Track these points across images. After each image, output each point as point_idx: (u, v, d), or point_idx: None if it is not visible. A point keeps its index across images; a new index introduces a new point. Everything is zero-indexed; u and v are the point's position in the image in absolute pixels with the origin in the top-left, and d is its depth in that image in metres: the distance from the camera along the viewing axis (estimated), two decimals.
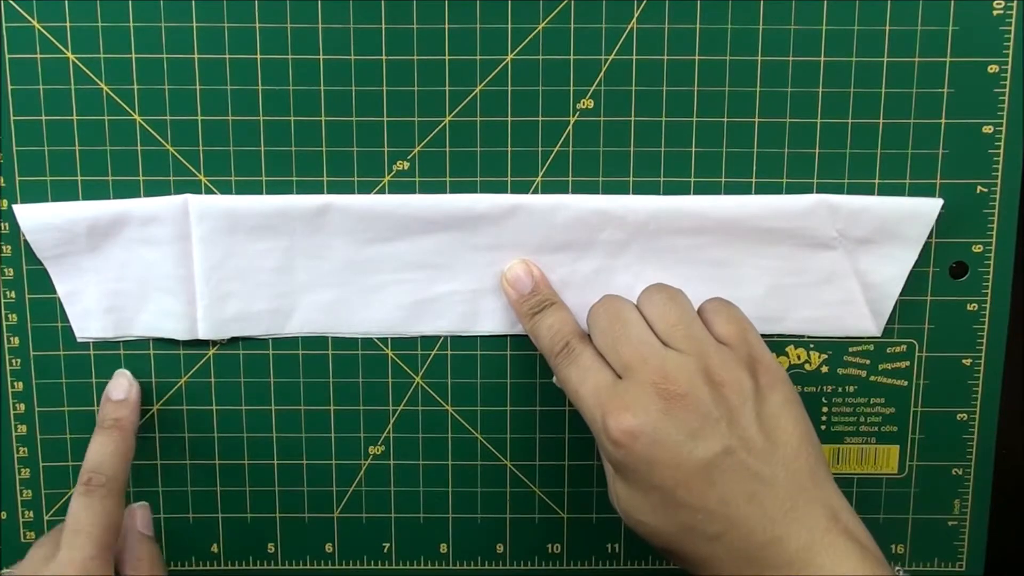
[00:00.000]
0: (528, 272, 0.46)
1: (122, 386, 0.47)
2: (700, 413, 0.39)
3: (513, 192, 0.47)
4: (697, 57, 0.45)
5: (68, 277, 0.47)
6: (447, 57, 0.46)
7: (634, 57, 0.46)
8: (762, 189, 0.47)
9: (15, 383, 0.49)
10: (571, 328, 0.44)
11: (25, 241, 0.47)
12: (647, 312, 0.42)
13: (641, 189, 0.47)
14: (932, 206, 0.46)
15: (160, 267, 0.47)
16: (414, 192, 0.47)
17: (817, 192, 0.46)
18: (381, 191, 0.47)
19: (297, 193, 0.47)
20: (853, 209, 0.46)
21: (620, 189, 0.47)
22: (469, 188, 0.47)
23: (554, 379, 0.44)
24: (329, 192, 0.47)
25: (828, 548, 0.37)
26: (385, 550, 0.51)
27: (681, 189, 0.47)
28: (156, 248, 0.46)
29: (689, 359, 0.40)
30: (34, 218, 0.46)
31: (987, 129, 0.46)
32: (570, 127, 0.46)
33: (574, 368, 0.42)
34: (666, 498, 0.39)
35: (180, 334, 0.48)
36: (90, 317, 0.48)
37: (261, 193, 0.47)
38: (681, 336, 0.41)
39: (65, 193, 0.47)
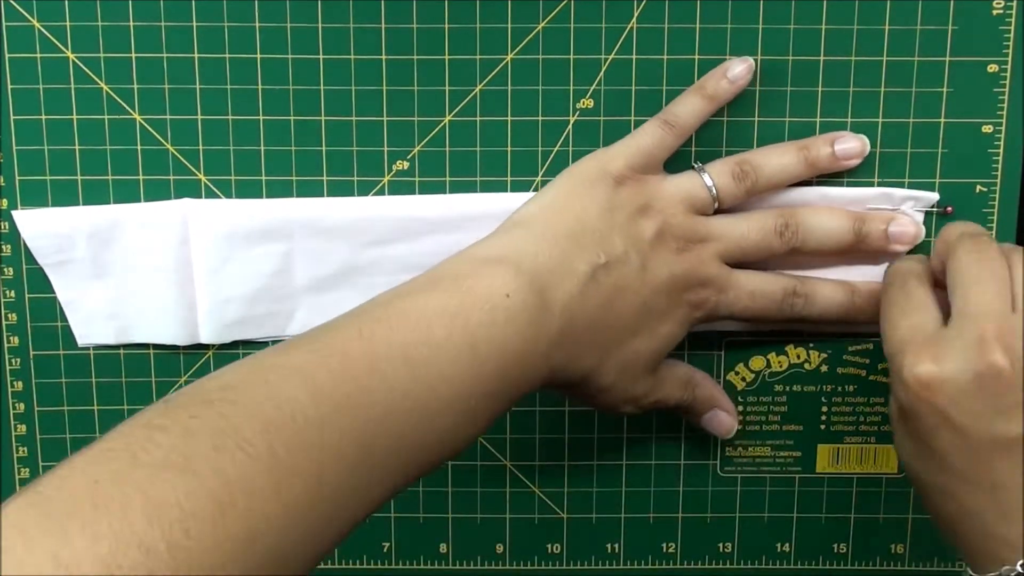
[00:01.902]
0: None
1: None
2: (1015, 394, 0.36)
3: (513, 192, 0.47)
4: (697, 57, 0.45)
5: (69, 284, 0.47)
6: (447, 57, 0.46)
7: (634, 57, 0.46)
8: None
9: (15, 383, 0.49)
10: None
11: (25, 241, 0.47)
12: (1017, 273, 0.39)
13: None
14: (930, 197, 0.46)
15: (160, 273, 0.47)
16: (414, 192, 0.47)
17: None
18: (381, 191, 0.47)
19: (297, 193, 0.47)
20: (852, 196, 0.46)
21: None
22: (469, 188, 0.47)
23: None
24: (329, 191, 0.47)
25: None
26: (385, 550, 0.51)
27: None
28: (156, 255, 0.46)
29: None
30: (34, 224, 0.46)
31: (987, 129, 0.46)
32: (570, 127, 0.46)
33: (902, 295, 0.41)
34: (938, 456, 0.38)
35: (181, 340, 0.47)
36: (92, 323, 0.48)
37: (261, 193, 0.47)
38: None
39: (65, 193, 0.46)
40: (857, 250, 0.46)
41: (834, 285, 0.46)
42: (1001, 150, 0.46)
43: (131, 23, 0.45)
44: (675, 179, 0.44)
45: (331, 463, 0.33)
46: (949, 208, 0.46)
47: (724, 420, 0.48)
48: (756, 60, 0.45)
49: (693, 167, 0.45)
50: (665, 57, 0.46)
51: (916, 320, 0.40)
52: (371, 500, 0.35)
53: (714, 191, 0.44)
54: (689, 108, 0.44)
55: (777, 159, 0.45)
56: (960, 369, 0.37)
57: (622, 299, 0.42)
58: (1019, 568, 0.36)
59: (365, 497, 0.34)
